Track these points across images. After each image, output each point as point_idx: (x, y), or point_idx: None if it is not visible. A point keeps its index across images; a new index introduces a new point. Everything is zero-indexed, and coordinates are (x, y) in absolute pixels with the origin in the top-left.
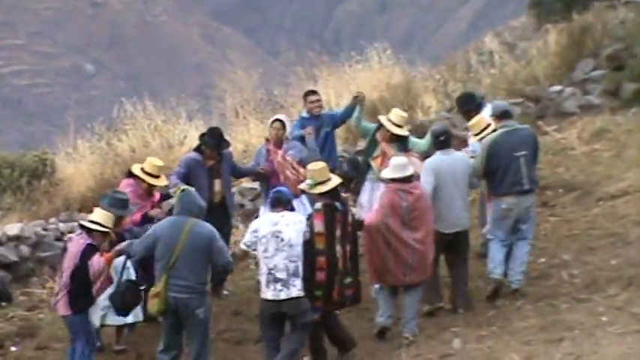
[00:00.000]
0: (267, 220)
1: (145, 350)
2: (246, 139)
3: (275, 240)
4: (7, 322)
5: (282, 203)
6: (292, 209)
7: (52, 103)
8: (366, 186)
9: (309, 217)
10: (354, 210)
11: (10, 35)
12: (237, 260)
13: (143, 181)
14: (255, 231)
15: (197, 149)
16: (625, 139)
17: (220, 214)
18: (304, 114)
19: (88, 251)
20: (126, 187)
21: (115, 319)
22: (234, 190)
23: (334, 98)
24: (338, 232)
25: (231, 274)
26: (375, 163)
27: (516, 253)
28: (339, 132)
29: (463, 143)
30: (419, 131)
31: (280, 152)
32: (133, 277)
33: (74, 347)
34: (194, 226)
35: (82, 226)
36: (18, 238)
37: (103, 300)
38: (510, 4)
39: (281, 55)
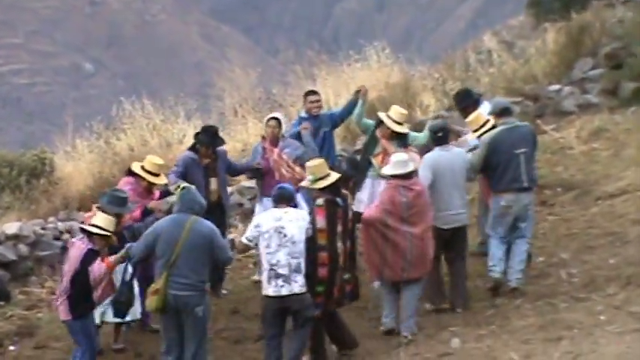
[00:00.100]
0: (270, 216)
1: (144, 349)
2: (245, 138)
3: (278, 236)
4: (5, 321)
5: (285, 199)
6: (295, 206)
7: (50, 102)
8: (367, 183)
9: (311, 213)
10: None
11: (8, 34)
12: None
13: (143, 179)
14: (258, 226)
15: (192, 148)
16: (624, 138)
17: (217, 213)
18: (303, 114)
19: (89, 256)
20: (125, 185)
21: (113, 317)
22: (233, 189)
23: (333, 97)
24: (339, 228)
25: (229, 269)
26: (376, 161)
27: (515, 251)
28: (338, 131)
29: (457, 137)
30: (418, 130)
31: (276, 150)
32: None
33: (77, 350)
34: (195, 223)
35: (83, 230)
36: (17, 237)
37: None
38: (509, 3)
39: (280, 54)
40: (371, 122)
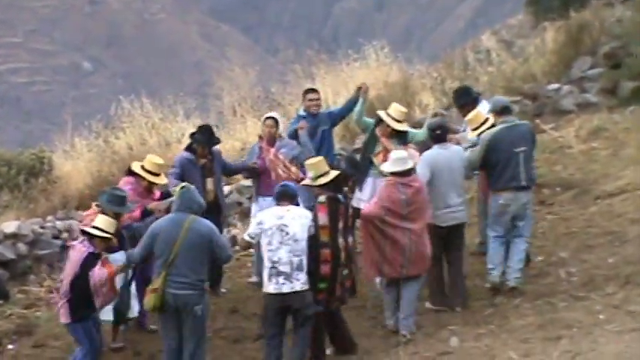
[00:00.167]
0: (272, 213)
1: (143, 348)
2: (244, 137)
3: (280, 233)
4: (4, 320)
5: (287, 197)
6: (298, 204)
7: (49, 101)
8: (369, 182)
9: (313, 210)
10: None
11: (7, 33)
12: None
13: (143, 178)
14: (260, 223)
15: (188, 148)
16: (622, 138)
17: (213, 213)
18: (301, 112)
19: (90, 260)
20: (125, 185)
21: (111, 316)
22: (232, 187)
23: (332, 96)
24: (340, 225)
25: (228, 268)
26: (377, 160)
27: (513, 250)
28: (337, 129)
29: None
30: (417, 129)
31: (272, 150)
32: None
33: (79, 350)
34: (193, 222)
35: (84, 232)
36: (15, 236)
37: None
38: (508, 2)
39: (279, 53)
40: (371, 121)
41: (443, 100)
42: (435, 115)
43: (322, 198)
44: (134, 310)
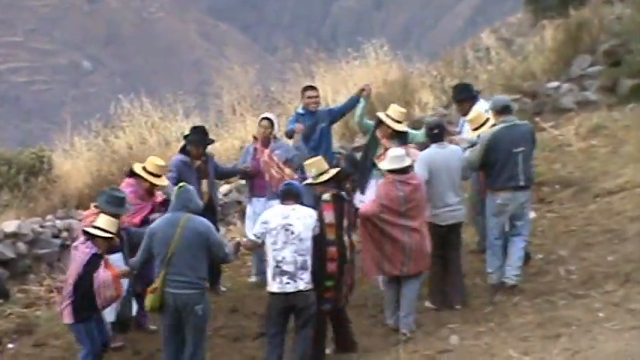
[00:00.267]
0: (277, 213)
1: (142, 347)
2: (243, 136)
3: (285, 233)
4: (4, 320)
5: (292, 196)
6: (302, 203)
7: (49, 100)
8: (372, 184)
9: (318, 209)
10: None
11: (7, 32)
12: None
13: (145, 180)
14: (266, 222)
15: (182, 151)
16: (622, 136)
17: (207, 214)
18: (300, 110)
19: (93, 262)
20: (127, 187)
21: (111, 316)
22: (231, 186)
23: (331, 94)
24: (345, 222)
25: (228, 267)
26: (379, 162)
27: (512, 249)
28: (337, 128)
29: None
30: (416, 127)
31: (267, 151)
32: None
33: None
34: (188, 221)
35: (86, 232)
36: (15, 235)
37: None
38: (507, 0)
39: (278, 52)
40: (371, 123)
41: (442, 99)
42: (435, 114)
43: (327, 196)
44: (132, 309)
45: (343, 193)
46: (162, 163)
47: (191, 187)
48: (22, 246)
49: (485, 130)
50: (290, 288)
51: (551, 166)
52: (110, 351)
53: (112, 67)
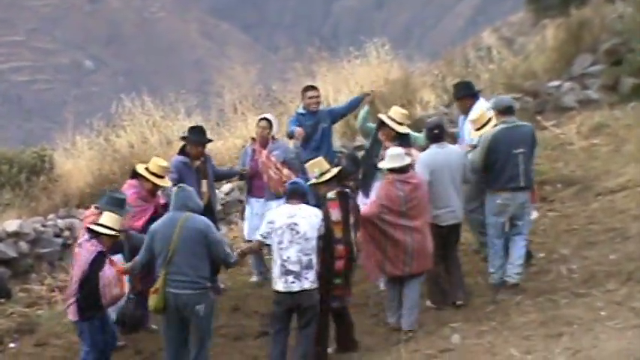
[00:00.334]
0: (283, 212)
1: (144, 347)
2: (245, 135)
3: (290, 232)
4: (6, 319)
5: (298, 195)
6: (308, 202)
7: (51, 100)
8: (375, 186)
9: (324, 207)
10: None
11: (9, 32)
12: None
13: (148, 180)
14: (271, 222)
15: (181, 152)
16: (624, 134)
17: (207, 214)
18: (301, 109)
19: (98, 260)
20: (129, 188)
21: (114, 316)
22: (233, 185)
23: (332, 94)
24: (351, 220)
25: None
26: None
27: (513, 248)
28: (338, 127)
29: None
30: (418, 126)
31: (265, 152)
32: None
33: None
34: (187, 220)
35: (90, 230)
36: (17, 235)
37: None
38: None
39: (279, 51)
40: (373, 126)
41: (444, 98)
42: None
43: (332, 194)
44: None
45: (347, 190)
46: (165, 164)
47: (190, 188)
48: (23, 245)
49: (488, 130)
50: (295, 287)
51: (553, 164)
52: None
53: (113, 66)
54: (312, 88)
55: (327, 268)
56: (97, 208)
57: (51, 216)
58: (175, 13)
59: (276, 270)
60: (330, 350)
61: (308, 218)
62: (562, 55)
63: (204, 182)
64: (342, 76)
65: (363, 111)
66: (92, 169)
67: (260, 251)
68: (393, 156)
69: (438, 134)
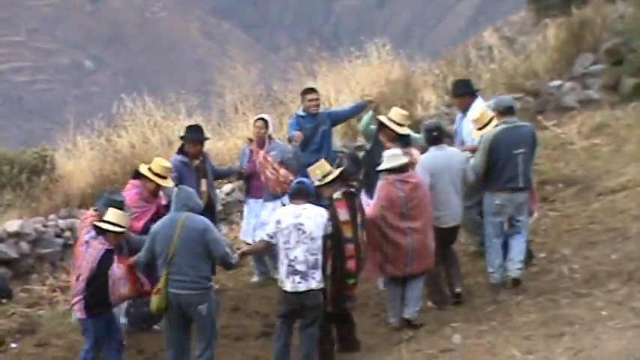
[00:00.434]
0: (289, 212)
1: (146, 347)
2: (246, 135)
3: (297, 232)
4: (7, 319)
5: (303, 194)
6: (313, 202)
7: (51, 100)
8: (378, 186)
9: (331, 208)
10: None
11: (9, 32)
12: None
13: (151, 181)
14: (278, 222)
15: (180, 151)
16: (624, 134)
17: (207, 213)
18: (300, 112)
19: (106, 258)
20: (132, 188)
21: (123, 319)
22: (234, 186)
23: (333, 94)
24: (359, 219)
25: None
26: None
27: (513, 244)
28: (338, 127)
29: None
30: (419, 127)
31: (262, 152)
32: None
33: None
34: (187, 220)
35: (97, 227)
36: (18, 235)
37: None
38: None
39: (281, 51)
40: (373, 127)
41: (445, 98)
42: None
43: (338, 194)
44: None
45: (353, 189)
46: (167, 164)
47: (190, 189)
48: (24, 245)
49: (489, 130)
50: (302, 287)
51: (554, 164)
52: None
53: (114, 66)
54: (312, 90)
55: (338, 268)
56: (95, 210)
57: (52, 216)
58: (176, 12)
59: (283, 270)
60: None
61: (313, 218)
62: (563, 54)
63: (203, 181)
64: (343, 76)
65: (367, 116)
66: (93, 169)
67: (265, 251)
68: (390, 156)
69: (436, 136)
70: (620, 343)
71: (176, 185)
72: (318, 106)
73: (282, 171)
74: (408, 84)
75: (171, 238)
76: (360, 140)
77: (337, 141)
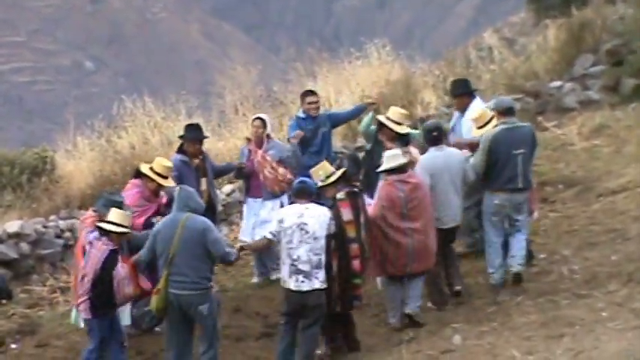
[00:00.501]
0: (292, 211)
1: (146, 348)
2: (245, 135)
3: (300, 232)
4: (7, 320)
5: (305, 194)
6: (315, 201)
7: (52, 101)
8: (379, 186)
9: (334, 208)
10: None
11: (10, 33)
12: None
13: (152, 180)
14: (281, 221)
15: (180, 150)
16: (625, 135)
17: (208, 213)
18: (301, 114)
19: (111, 258)
20: (133, 187)
21: (127, 320)
22: (234, 186)
23: (334, 94)
24: (362, 218)
25: (231, 265)
26: None
27: (513, 242)
28: (339, 128)
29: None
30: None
31: (260, 152)
32: None
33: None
34: (187, 220)
35: (100, 228)
36: (18, 236)
37: None
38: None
39: (281, 52)
40: (374, 128)
41: (445, 98)
42: (422, 118)
43: (341, 194)
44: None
45: (356, 189)
46: (169, 164)
47: (191, 189)
48: (24, 246)
49: (489, 130)
50: (305, 287)
51: (554, 165)
52: None
53: (114, 67)
54: (311, 93)
55: (344, 268)
56: (94, 211)
57: (52, 217)
58: (177, 13)
59: (285, 269)
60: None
61: (317, 217)
62: (563, 55)
63: (203, 180)
64: (343, 77)
65: (367, 117)
66: (93, 170)
67: (266, 249)
68: (389, 157)
69: (436, 137)
70: (620, 345)
71: (177, 184)
72: (317, 109)
73: (281, 170)
74: (408, 85)
75: (172, 238)
76: (360, 141)
77: (337, 142)
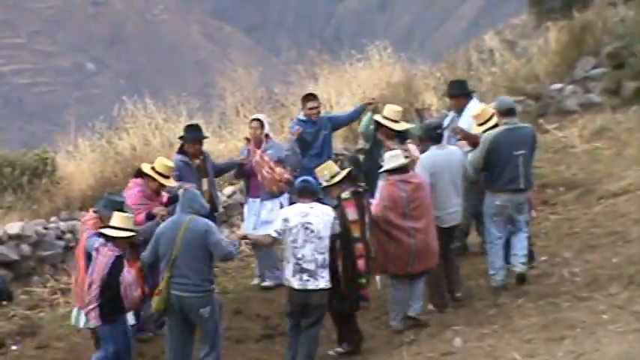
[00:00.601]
0: (296, 211)
1: (147, 350)
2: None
3: (304, 231)
4: (7, 321)
5: (309, 193)
6: (319, 200)
7: (52, 102)
8: (379, 186)
9: (339, 208)
10: None
11: (11, 34)
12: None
13: (154, 180)
14: (286, 220)
15: (180, 151)
16: (626, 138)
17: (209, 212)
18: (302, 116)
19: (117, 264)
20: (134, 186)
21: (132, 320)
22: (235, 188)
23: (334, 97)
24: (367, 218)
25: (230, 269)
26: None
27: (515, 241)
28: (339, 130)
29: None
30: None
31: (258, 152)
32: None
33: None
34: (190, 222)
35: (103, 235)
36: (19, 237)
37: None
38: (511, 2)
39: (282, 54)
40: (372, 128)
41: (446, 100)
42: (417, 110)
43: (346, 194)
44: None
45: (361, 189)
46: (171, 164)
47: (196, 190)
48: (25, 248)
49: (488, 130)
50: (310, 285)
51: (555, 168)
52: None
53: (115, 68)
54: (312, 97)
55: (349, 268)
56: (95, 211)
57: (53, 218)
58: (178, 15)
59: (289, 268)
60: (331, 352)
61: (321, 216)
62: (564, 58)
63: (204, 181)
64: (344, 79)
65: (366, 117)
66: (94, 171)
67: (269, 247)
68: (390, 158)
69: (438, 135)
70: (621, 347)
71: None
72: (318, 113)
73: (278, 169)
74: (410, 87)
75: (174, 240)
76: (361, 143)
77: (338, 144)
